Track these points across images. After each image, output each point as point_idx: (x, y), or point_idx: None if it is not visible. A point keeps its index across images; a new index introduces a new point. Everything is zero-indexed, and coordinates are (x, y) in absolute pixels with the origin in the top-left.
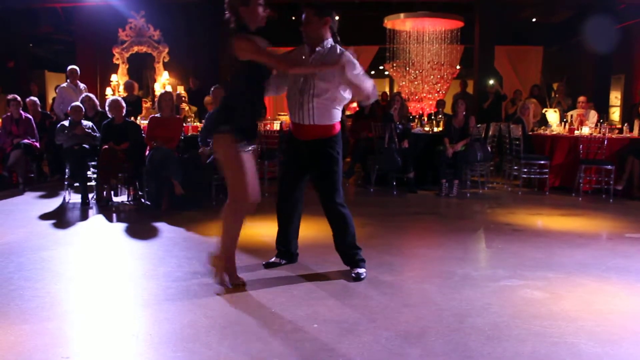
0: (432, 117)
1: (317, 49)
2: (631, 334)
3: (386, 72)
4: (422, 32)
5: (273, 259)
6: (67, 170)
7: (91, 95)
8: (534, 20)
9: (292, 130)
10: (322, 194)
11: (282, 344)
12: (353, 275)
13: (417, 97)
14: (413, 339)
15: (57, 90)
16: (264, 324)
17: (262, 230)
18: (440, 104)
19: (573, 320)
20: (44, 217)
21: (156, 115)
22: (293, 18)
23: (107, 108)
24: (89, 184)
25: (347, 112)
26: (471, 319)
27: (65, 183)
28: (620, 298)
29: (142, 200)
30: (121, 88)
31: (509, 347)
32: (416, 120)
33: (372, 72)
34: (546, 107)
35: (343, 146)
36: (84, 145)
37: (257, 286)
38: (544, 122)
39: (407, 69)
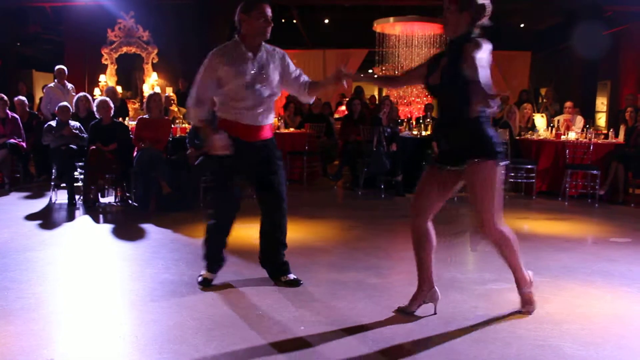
0: (421, 121)
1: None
2: (615, 337)
3: (375, 76)
4: (412, 36)
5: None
6: (53, 170)
7: (88, 95)
8: (522, 25)
9: (239, 133)
10: (275, 193)
11: (268, 346)
12: (290, 279)
13: (405, 101)
14: (399, 341)
15: (44, 90)
16: (251, 326)
17: (249, 233)
18: (429, 107)
19: (558, 324)
20: (30, 217)
21: (144, 116)
22: (283, 20)
23: (94, 109)
24: (76, 184)
25: (336, 116)
26: (457, 321)
27: (52, 183)
28: (605, 301)
29: (130, 201)
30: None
31: (495, 350)
32: (404, 124)
33: (362, 75)
34: (534, 112)
35: (333, 149)
36: (71, 145)
37: (244, 288)
38: (533, 126)
39: (396, 72)
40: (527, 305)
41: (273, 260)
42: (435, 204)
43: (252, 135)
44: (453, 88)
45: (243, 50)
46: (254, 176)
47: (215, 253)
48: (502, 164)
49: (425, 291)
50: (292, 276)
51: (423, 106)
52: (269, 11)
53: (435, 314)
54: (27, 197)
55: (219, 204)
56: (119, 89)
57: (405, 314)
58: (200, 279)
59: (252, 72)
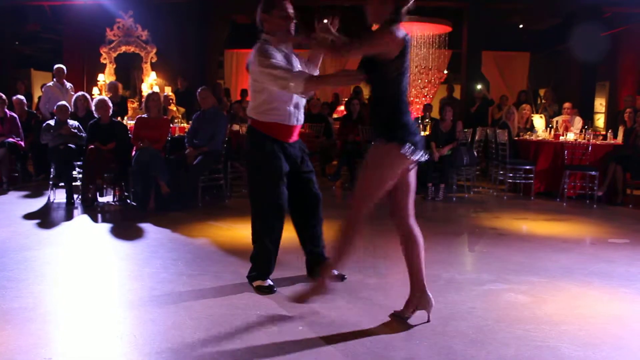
0: (419, 121)
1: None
2: (613, 338)
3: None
4: (411, 36)
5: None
6: (52, 169)
7: (87, 95)
8: (521, 26)
9: (282, 134)
10: (314, 190)
11: (266, 346)
12: (334, 274)
13: None
14: (397, 341)
15: (43, 89)
16: (249, 326)
17: (247, 232)
18: (427, 108)
19: (556, 324)
20: (28, 216)
21: (143, 115)
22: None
23: (93, 108)
24: (74, 184)
25: (335, 116)
26: (455, 322)
27: (50, 183)
28: (603, 302)
29: (128, 200)
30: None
31: (493, 350)
32: None
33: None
34: (532, 113)
35: (331, 149)
36: (70, 145)
37: (242, 288)
38: (532, 127)
39: None
40: (314, 288)
41: (312, 257)
42: (395, 200)
43: (293, 136)
44: (366, 72)
45: (282, 48)
46: (290, 176)
47: (269, 258)
48: (406, 151)
49: (417, 296)
50: (335, 272)
51: (422, 106)
52: (290, 8)
53: (429, 321)
54: (26, 196)
55: (270, 208)
56: None
57: (400, 319)
58: (266, 287)
59: (298, 69)
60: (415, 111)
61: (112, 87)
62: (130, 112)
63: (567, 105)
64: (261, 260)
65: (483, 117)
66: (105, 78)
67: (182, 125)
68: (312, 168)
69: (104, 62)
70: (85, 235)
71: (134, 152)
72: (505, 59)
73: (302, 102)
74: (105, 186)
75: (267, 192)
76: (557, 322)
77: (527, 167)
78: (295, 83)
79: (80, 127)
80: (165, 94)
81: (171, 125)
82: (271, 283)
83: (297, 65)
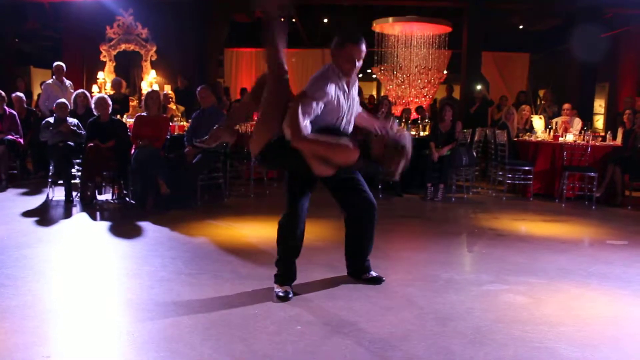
0: (418, 122)
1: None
2: (610, 339)
3: (374, 76)
4: (410, 37)
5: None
6: (51, 167)
7: (87, 92)
8: (520, 27)
9: None
10: (367, 198)
11: (264, 346)
12: (372, 275)
13: (404, 101)
14: (396, 341)
15: (42, 87)
16: (247, 325)
17: (246, 232)
18: (420, 110)
19: (554, 325)
20: (27, 214)
21: (142, 114)
22: (282, 19)
23: (92, 106)
24: (73, 181)
25: None
26: (454, 322)
27: (49, 180)
28: (601, 304)
29: (127, 199)
30: (108, 85)
31: (491, 351)
32: (402, 125)
33: (360, 75)
34: (532, 114)
35: None
36: (69, 142)
37: (240, 287)
38: (531, 128)
39: (395, 72)
40: None
41: (354, 262)
42: None
43: None
44: None
45: (343, 83)
46: (338, 185)
47: (291, 264)
48: None
49: None
50: (373, 273)
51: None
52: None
53: None
54: (24, 194)
55: (298, 212)
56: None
57: None
58: (281, 293)
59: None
60: (414, 112)
61: (115, 84)
62: (130, 110)
63: (566, 106)
64: (279, 266)
65: (482, 118)
66: (104, 76)
67: (182, 123)
68: (360, 178)
69: (104, 59)
70: (84, 233)
71: (133, 151)
72: (505, 59)
73: (353, 115)
74: (104, 184)
75: (294, 196)
76: (555, 323)
77: (526, 168)
78: (290, 130)
79: (80, 125)
80: (164, 92)
81: (170, 124)
82: (288, 290)
83: (352, 100)
